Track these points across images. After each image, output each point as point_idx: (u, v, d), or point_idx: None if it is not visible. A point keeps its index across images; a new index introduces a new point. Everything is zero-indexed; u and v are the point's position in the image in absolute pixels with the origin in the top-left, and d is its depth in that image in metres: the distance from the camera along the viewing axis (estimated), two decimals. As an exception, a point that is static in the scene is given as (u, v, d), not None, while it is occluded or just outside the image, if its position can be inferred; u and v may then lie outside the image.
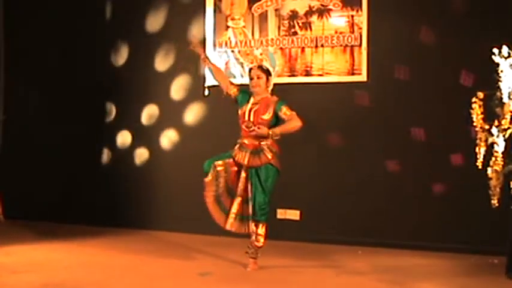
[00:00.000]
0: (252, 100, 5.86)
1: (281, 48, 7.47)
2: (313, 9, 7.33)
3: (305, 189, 7.31)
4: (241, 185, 5.81)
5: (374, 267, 6.07)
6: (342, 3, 7.19)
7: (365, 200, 7.11)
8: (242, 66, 7.57)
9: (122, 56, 8.19)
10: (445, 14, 6.84)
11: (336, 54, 7.24)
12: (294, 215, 7.36)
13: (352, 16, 7.16)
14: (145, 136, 8.10)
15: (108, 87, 8.28)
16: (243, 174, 5.80)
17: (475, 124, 5.40)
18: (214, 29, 7.73)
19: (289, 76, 7.43)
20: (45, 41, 8.49)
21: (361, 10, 7.11)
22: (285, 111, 5.76)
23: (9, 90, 7.53)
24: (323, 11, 7.28)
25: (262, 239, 5.82)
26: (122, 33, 8.21)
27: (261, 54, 7.52)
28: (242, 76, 7.51)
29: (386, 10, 7.04)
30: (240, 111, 5.88)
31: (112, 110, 8.26)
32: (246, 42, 7.61)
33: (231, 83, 6.06)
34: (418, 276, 5.75)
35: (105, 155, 8.31)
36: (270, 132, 5.70)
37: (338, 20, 7.23)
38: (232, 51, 7.64)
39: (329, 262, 6.30)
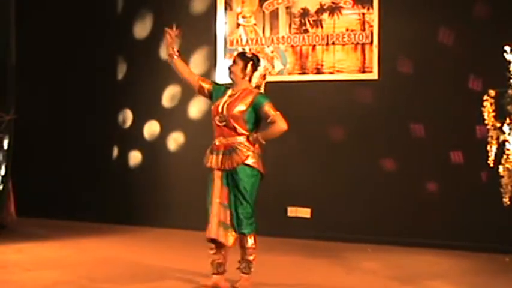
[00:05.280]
0: (229, 92, 5.07)
1: (292, 46, 7.46)
2: (324, 7, 7.32)
3: (316, 187, 7.31)
4: (216, 190, 5.02)
5: (384, 265, 6.07)
6: (353, 1, 7.18)
7: (375, 198, 7.10)
8: (253, 64, 7.55)
9: (133, 56, 8.22)
10: (457, 13, 6.83)
11: (347, 52, 7.23)
12: (304, 212, 7.36)
13: (363, 14, 7.14)
14: (159, 134, 8.13)
15: (121, 87, 8.31)
16: (217, 178, 5.00)
17: (486, 122, 5.37)
18: (225, 27, 7.74)
19: (300, 74, 7.42)
20: (57, 40, 8.52)
21: (372, 8, 7.10)
22: (268, 109, 4.94)
23: (21, 90, 7.56)
24: (334, 9, 7.27)
25: (253, 252, 5.09)
26: (134, 30, 8.25)
27: (272, 52, 7.52)
28: (253, 74, 7.51)
29: (397, 8, 7.03)
30: (213, 106, 5.10)
31: (125, 111, 8.29)
32: (256, 40, 7.61)
33: (203, 79, 5.29)
34: (429, 274, 5.75)
35: (117, 153, 8.35)
36: (250, 138, 4.95)
37: (349, 18, 7.22)
38: (243, 48, 7.64)
39: (339, 260, 6.29)
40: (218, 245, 5.09)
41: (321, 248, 6.84)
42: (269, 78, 7.40)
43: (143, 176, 8.12)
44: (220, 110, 4.96)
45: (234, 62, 5.09)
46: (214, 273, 5.16)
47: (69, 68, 8.47)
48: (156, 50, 8.00)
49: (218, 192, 5.00)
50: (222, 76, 7.45)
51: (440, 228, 6.84)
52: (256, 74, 5.13)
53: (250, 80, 5.09)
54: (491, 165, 5.28)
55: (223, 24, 7.73)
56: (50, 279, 5.29)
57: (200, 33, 7.84)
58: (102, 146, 8.40)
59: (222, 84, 5.35)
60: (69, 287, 5.14)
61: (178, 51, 5.16)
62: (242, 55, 5.14)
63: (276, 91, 7.36)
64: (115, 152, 8.36)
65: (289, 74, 7.43)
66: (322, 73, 7.34)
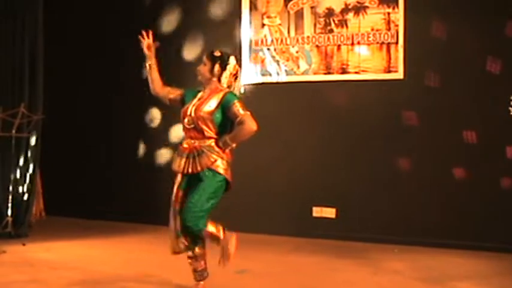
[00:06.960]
0: (199, 95, 4.83)
1: (317, 46, 7.45)
2: (349, 6, 7.30)
3: (341, 187, 7.30)
4: (173, 197, 4.93)
5: (411, 266, 6.03)
6: (379, 1, 7.16)
7: (401, 199, 7.08)
8: (278, 64, 7.57)
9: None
10: (484, 11, 6.78)
11: (372, 52, 7.21)
12: (330, 212, 7.35)
13: (389, 13, 7.12)
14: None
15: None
16: (176, 184, 4.89)
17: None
18: (250, 27, 7.75)
19: (325, 74, 7.41)
20: (85, 39, 8.62)
21: (398, 7, 7.08)
22: (237, 109, 4.58)
23: (49, 89, 7.63)
24: (359, 8, 7.25)
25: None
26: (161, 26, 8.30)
27: (297, 52, 7.52)
28: (278, 74, 7.53)
29: (423, 7, 7.00)
30: (182, 109, 4.85)
31: (153, 109, 8.33)
32: (282, 40, 7.61)
33: (172, 90, 5.06)
34: (456, 275, 5.70)
35: (145, 151, 8.40)
36: (220, 143, 4.65)
37: (374, 17, 7.19)
38: (268, 49, 7.65)
39: (365, 260, 6.28)
40: (198, 252, 4.93)
41: (346, 248, 6.82)
42: (294, 78, 7.49)
43: (172, 175, 8.13)
44: (189, 112, 4.72)
45: (202, 62, 4.81)
46: (199, 280, 4.98)
47: (97, 67, 8.54)
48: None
49: (174, 198, 4.88)
50: (246, 76, 7.47)
51: (466, 229, 6.80)
52: (226, 74, 4.74)
53: (219, 80, 4.76)
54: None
55: (248, 24, 7.74)
56: (77, 278, 5.33)
57: (225, 33, 7.87)
58: (130, 145, 8.45)
59: (195, 89, 5.01)
60: (96, 287, 5.19)
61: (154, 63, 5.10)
62: (209, 55, 4.80)
63: (301, 91, 7.40)
64: (143, 150, 8.41)
65: (315, 73, 7.42)
66: (348, 73, 7.32)
